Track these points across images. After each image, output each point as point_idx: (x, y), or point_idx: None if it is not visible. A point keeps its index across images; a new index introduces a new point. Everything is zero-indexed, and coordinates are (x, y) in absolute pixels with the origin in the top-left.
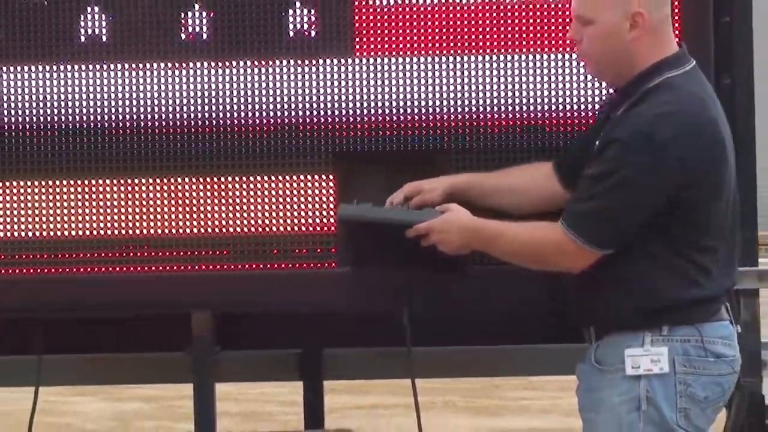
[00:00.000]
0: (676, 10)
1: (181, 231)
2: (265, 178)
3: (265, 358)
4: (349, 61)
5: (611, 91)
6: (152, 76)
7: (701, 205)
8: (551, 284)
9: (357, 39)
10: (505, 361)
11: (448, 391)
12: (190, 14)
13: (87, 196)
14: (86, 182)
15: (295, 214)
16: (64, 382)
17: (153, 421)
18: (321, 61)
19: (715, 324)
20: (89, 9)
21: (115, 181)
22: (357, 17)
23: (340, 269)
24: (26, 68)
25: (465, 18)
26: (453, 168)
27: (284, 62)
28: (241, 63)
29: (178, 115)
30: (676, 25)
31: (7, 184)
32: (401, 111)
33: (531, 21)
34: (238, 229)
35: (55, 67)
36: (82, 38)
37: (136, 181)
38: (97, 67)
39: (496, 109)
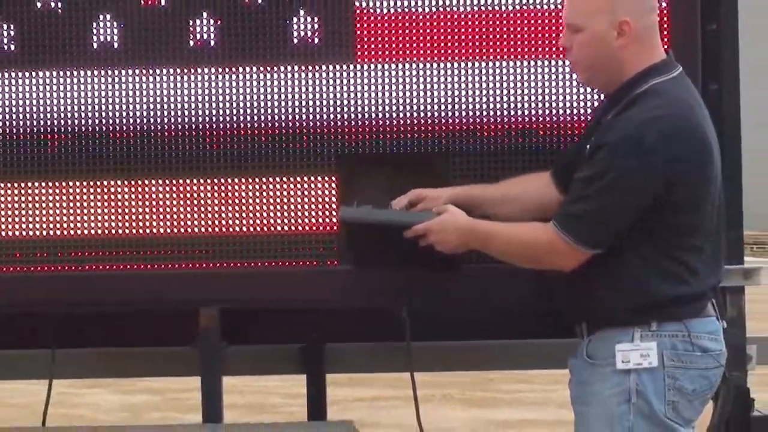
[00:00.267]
0: (665, 18)
1: (189, 230)
2: (270, 179)
3: (270, 353)
4: (351, 67)
5: (602, 96)
6: (162, 81)
7: (688, 207)
8: (544, 282)
9: (358, 46)
10: (499, 356)
11: (445, 384)
12: (198, 22)
13: (99, 197)
14: (99, 183)
15: (299, 213)
16: (76, 375)
17: (162, 413)
18: (324, 67)
19: (702, 320)
20: (101, 17)
21: (126, 182)
22: (358, 25)
23: (342, 267)
24: (41, 73)
25: (462, 26)
26: (451, 170)
27: (289, 68)
28: (248, 69)
29: (186, 119)
30: (665, 32)
31: (23, 185)
32: (401, 115)
33: (525, 29)
34: (244, 229)
35: (68, 73)
36: (95, 45)
37: (147, 182)
38: (109, 72)
39: (492, 113)
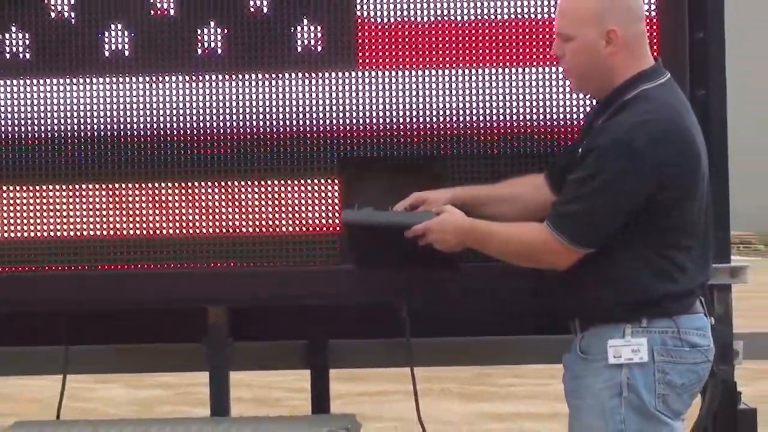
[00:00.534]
0: (654, 27)
1: (197, 231)
2: (275, 182)
3: (275, 349)
4: (353, 73)
5: (594, 101)
6: (171, 88)
7: (677, 208)
8: (539, 280)
9: (359, 53)
10: (496, 351)
11: (443, 378)
12: (206, 31)
13: (112, 200)
14: (111, 186)
15: (303, 215)
16: (89, 370)
17: (171, 407)
18: (326, 74)
19: (691, 316)
20: (113, 26)
21: (137, 185)
22: (359, 34)
23: (344, 267)
24: (55, 81)
25: (459, 34)
26: (449, 172)
27: (293, 75)
28: (253, 76)
29: (194, 125)
30: (654, 40)
31: (38, 188)
32: (401, 120)
33: (520, 37)
34: (251, 230)
35: (81, 80)
36: (106, 53)
37: (157, 185)
38: (120, 79)
39: (488, 118)
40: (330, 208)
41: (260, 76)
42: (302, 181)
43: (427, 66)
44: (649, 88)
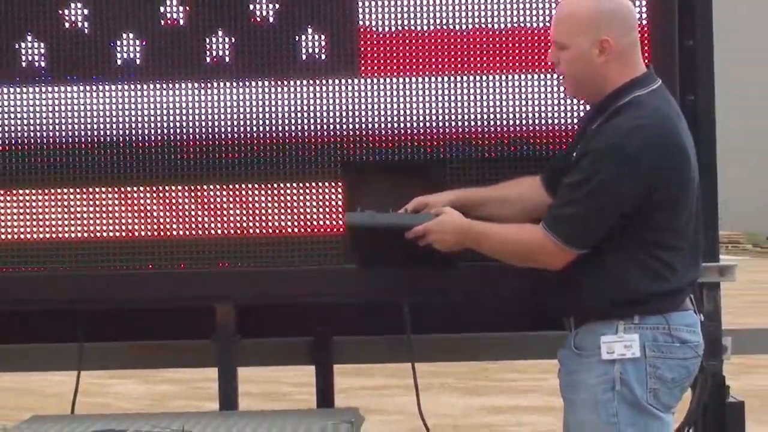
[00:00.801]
0: (646, 35)
1: (207, 233)
2: (281, 185)
3: (281, 345)
4: (355, 81)
5: (587, 107)
6: (180, 95)
7: (668, 210)
8: (535, 279)
9: (362, 61)
10: (493, 347)
11: (443, 373)
12: (214, 40)
13: (124, 203)
14: (124, 190)
15: (308, 217)
16: (103, 366)
17: (182, 401)
18: (330, 81)
19: (681, 313)
20: (124, 36)
21: (149, 189)
22: (362, 42)
23: (347, 266)
24: (68, 88)
25: (457, 43)
26: (448, 176)
27: (297, 82)
28: (260, 83)
29: (203, 130)
30: (646, 48)
31: (53, 191)
32: (402, 125)
33: (517, 45)
34: (257, 231)
35: (94, 87)
36: (119, 61)
37: (168, 188)
38: (132, 87)
39: (485, 123)
40: (334, 210)
41: (266, 83)
42: (307, 185)
43: (427, 73)
44: (642, 94)
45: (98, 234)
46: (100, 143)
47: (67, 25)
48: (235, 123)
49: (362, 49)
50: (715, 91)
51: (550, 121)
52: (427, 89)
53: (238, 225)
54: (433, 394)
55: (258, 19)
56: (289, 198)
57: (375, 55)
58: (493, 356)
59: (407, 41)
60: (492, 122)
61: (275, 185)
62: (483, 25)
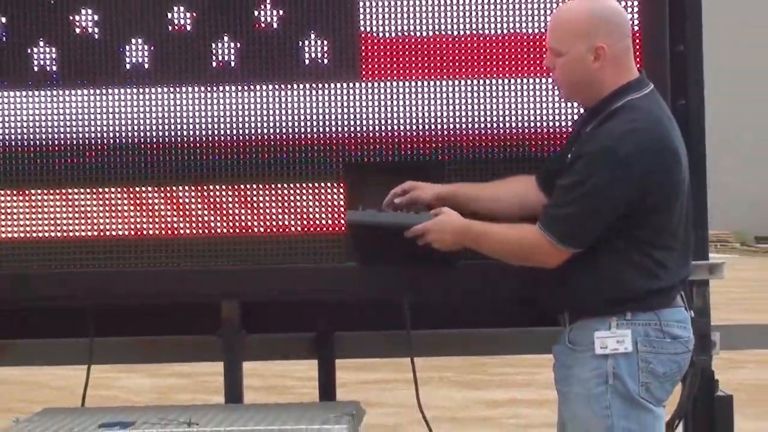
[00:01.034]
0: (638, 41)
1: (213, 232)
2: (285, 185)
3: (285, 340)
4: (356, 84)
5: (582, 110)
6: (187, 98)
7: (659, 211)
8: (531, 277)
9: (363, 66)
10: (490, 342)
11: (442, 368)
12: (220, 45)
13: (135, 203)
14: (133, 190)
15: (310, 216)
16: (112, 360)
17: (189, 394)
18: (332, 85)
19: (672, 310)
20: (133, 41)
21: (158, 189)
22: (363, 47)
23: (349, 264)
24: (79, 92)
25: (456, 48)
26: (447, 176)
27: (301, 86)
28: (264, 87)
29: (210, 132)
30: (638, 53)
31: (64, 191)
32: (402, 127)
33: (513, 50)
34: (262, 230)
35: (103, 91)
36: (128, 66)
37: (176, 188)
38: (140, 90)
39: (482, 125)
40: (336, 209)
41: (270, 87)
42: (310, 185)
43: (426, 77)
44: (635, 99)
45: (107, 233)
46: (109, 145)
47: (78, 30)
48: (240, 125)
49: (363, 53)
50: (704, 96)
51: (545, 124)
52: (425, 92)
53: (244, 224)
54: (432, 387)
55: (262, 25)
56: (292, 198)
57: (375, 59)
58: (490, 351)
59: (406, 46)
60: (488, 124)
61: (279, 186)
62: (479, 31)
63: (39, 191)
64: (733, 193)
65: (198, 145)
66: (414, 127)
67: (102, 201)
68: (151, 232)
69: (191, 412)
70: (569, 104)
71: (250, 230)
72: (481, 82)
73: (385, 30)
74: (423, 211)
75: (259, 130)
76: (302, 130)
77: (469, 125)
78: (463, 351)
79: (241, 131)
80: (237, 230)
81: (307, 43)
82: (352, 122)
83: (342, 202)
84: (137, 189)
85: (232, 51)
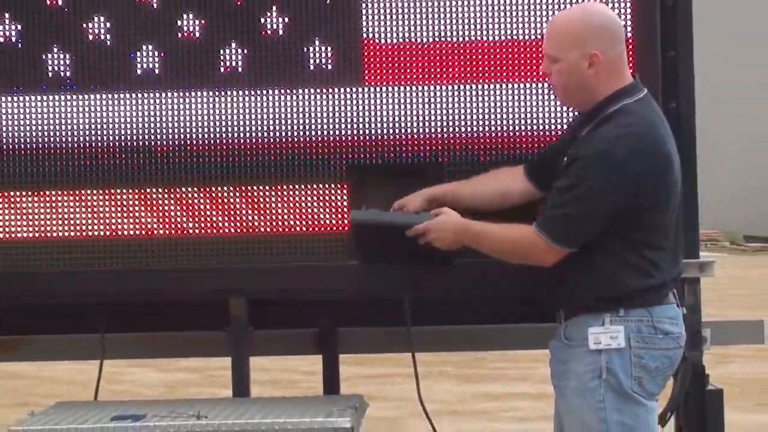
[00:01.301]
0: (630, 47)
1: (221, 231)
2: (290, 187)
3: (291, 336)
4: (360, 89)
5: (577, 113)
6: (196, 103)
7: (652, 212)
8: (528, 275)
9: (366, 71)
10: (488, 338)
11: (441, 362)
12: (227, 52)
13: (144, 204)
14: (143, 191)
15: (315, 216)
16: (123, 355)
17: (197, 388)
18: (336, 90)
19: (664, 307)
20: (144, 47)
21: (167, 190)
22: (366, 53)
23: (352, 263)
24: (92, 96)
25: (456, 54)
26: (446, 178)
27: (306, 90)
28: (270, 91)
29: (217, 135)
30: (631, 59)
31: (78, 192)
32: (403, 130)
33: (511, 56)
34: (268, 230)
35: (115, 95)
36: (138, 71)
37: (184, 189)
38: (151, 95)
39: (481, 129)
40: (339, 209)
41: (276, 91)
42: (314, 186)
43: (428, 82)
44: (629, 103)
45: (118, 232)
46: (121, 148)
47: (90, 37)
48: (247, 129)
49: (366, 59)
50: (695, 99)
51: (541, 127)
52: (426, 97)
53: (250, 224)
54: (432, 381)
55: (269, 32)
56: (297, 199)
57: (378, 65)
58: (488, 346)
59: (408, 52)
60: (487, 128)
61: (285, 187)
62: (478, 38)
63: (53, 192)
64: (723, 194)
65: (207, 147)
66: (415, 130)
67: (114, 202)
68: (161, 232)
69: (200, 406)
70: (564, 108)
71: (257, 230)
72: (480, 87)
73: (387, 36)
74: (424, 212)
75: (265, 134)
76: (307, 133)
77: (468, 128)
78: (463, 346)
79: (248, 134)
80: (244, 230)
81: (311, 49)
82: (355, 126)
83: (346, 203)
84: (148, 190)
85: (240, 57)
